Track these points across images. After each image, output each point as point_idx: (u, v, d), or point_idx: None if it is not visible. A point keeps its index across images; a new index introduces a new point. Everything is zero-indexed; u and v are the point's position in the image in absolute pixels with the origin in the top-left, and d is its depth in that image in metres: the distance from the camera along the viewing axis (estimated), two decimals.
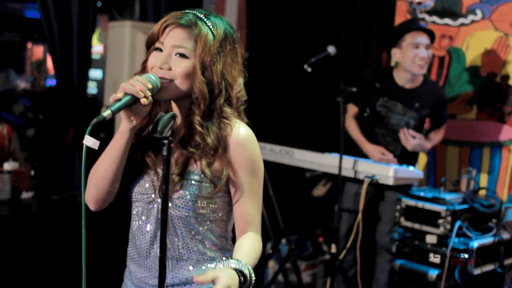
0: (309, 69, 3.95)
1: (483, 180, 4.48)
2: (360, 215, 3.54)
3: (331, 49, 4.13)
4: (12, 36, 11.36)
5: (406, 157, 4.12)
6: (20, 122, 6.88)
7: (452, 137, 4.69)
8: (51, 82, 10.28)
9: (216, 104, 1.88)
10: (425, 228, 3.69)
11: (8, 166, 4.25)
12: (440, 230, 3.61)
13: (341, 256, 3.82)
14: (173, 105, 1.96)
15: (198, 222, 1.91)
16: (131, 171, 1.94)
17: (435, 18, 4.78)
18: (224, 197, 1.94)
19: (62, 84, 5.34)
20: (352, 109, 4.36)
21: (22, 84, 10.02)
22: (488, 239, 3.65)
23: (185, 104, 1.91)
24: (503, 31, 4.44)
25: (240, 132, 1.89)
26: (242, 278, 1.73)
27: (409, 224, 3.77)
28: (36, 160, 4.75)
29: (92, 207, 1.98)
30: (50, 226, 4.14)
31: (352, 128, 4.31)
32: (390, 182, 3.51)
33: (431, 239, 3.66)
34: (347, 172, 3.71)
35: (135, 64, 4.94)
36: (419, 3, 4.62)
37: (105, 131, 5.20)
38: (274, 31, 5.96)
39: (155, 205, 1.92)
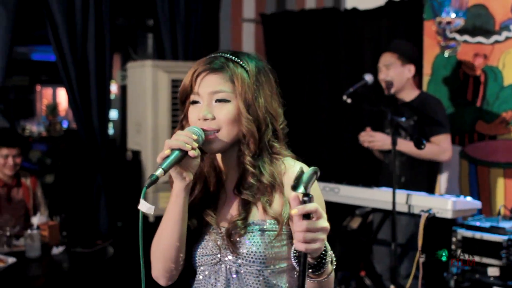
0: (349, 100, 3.78)
1: None
2: (419, 252, 3.32)
3: (369, 77, 3.98)
4: (20, 79, 11.26)
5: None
6: (38, 169, 6.71)
7: (495, 159, 4.50)
8: (64, 124, 10.15)
9: (264, 141, 1.81)
10: (486, 260, 3.48)
11: (36, 220, 4.06)
12: (503, 262, 3.40)
13: None
14: (220, 159, 1.89)
15: (271, 275, 1.79)
16: (189, 234, 1.84)
17: (466, 37, 4.62)
18: (290, 243, 1.79)
19: (82, 127, 5.16)
20: None
21: (33, 128, 9.88)
22: None
23: (232, 149, 1.83)
24: None
25: (295, 169, 1.73)
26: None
27: (467, 256, 3.55)
28: (62, 210, 4.54)
29: (163, 282, 1.89)
30: (85, 284, 3.93)
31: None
32: (449, 215, 3.31)
33: (493, 272, 3.45)
34: (401, 207, 3.51)
35: (158, 104, 4.76)
36: (448, 23, 4.45)
37: (131, 176, 5.00)
38: (295, 59, 5.80)
39: (222, 265, 1.81)
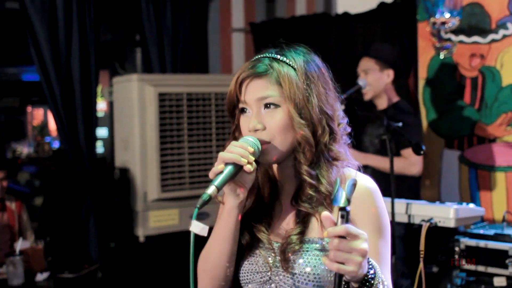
0: (343, 106, 3.61)
1: None
2: (422, 264, 3.15)
3: (362, 82, 3.86)
4: (11, 101, 11.14)
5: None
6: (27, 191, 6.55)
7: (496, 163, 4.33)
8: (55, 144, 10.00)
9: (321, 146, 1.64)
10: (491, 270, 3.30)
11: (18, 246, 3.88)
12: (510, 271, 3.22)
13: None
14: (275, 169, 1.74)
15: None
16: (239, 249, 1.71)
17: (462, 37, 4.46)
18: None
19: (68, 147, 5.00)
20: None
21: (24, 150, 9.72)
22: None
23: (288, 158, 1.67)
24: None
25: (362, 182, 1.62)
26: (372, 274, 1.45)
27: (471, 267, 3.38)
28: (48, 234, 4.38)
29: None
30: None
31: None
32: (452, 224, 3.13)
33: (500, 282, 3.27)
34: (400, 217, 3.34)
35: (146, 119, 4.59)
36: (443, 23, 4.29)
37: (119, 195, 4.84)
38: None
39: (272, 285, 1.66)
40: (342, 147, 1.69)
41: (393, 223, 3.28)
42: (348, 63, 5.24)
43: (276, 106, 1.61)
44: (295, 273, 1.60)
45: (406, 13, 4.91)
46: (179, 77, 4.95)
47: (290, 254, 1.61)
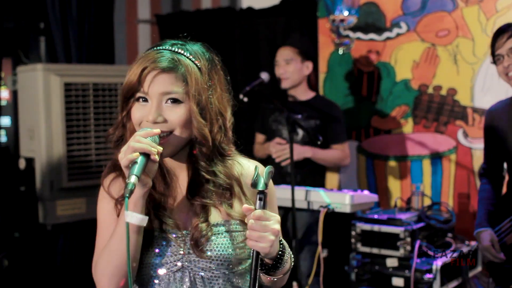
0: (245, 99, 3.76)
1: (426, 193, 4.40)
2: (320, 248, 3.35)
3: (265, 76, 3.98)
4: None
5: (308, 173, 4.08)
6: None
7: (390, 153, 4.61)
8: None
9: (216, 143, 1.71)
10: (384, 251, 3.55)
11: None
12: (401, 252, 3.48)
13: None
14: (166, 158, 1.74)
15: (237, 277, 1.73)
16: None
17: (359, 34, 4.71)
18: None
19: None
20: (259, 137, 4.37)
21: None
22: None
23: (183, 152, 1.74)
24: (430, 42, 4.41)
25: (252, 168, 1.74)
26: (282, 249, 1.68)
27: (366, 249, 3.62)
28: None
29: None
30: None
31: (261, 148, 4.27)
32: (348, 209, 3.35)
33: (392, 263, 3.52)
34: (300, 203, 3.52)
35: (51, 109, 4.59)
36: (342, 20, 4.52)
37: (25, 184, 4.80)
38: None
39: (186, 271, 1.69)
40: (231, 143, 1.78)
41: (293, 209, 3.46)
42: (251, 57, 5.41)
43: (179, 102, 1.64)
44: (210, 257, 1.67)
45: (307, 10, 5.09)
46: (85, 67, 4.96)
47: (203, 241, 1.66)
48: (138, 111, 1.67)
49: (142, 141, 1.56)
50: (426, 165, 4.46)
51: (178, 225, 1.69)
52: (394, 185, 4.61)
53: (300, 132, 4.05)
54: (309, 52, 4.24)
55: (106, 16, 5.87)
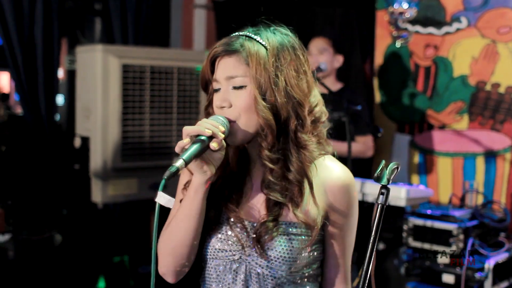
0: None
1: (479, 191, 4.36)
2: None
3: (323, 65, 3.96)
4: None
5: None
6: None
7: (443, 149, 4.57)
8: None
9: (289, 131, 1.60)
10: (436, 247, 3.53)
11: None
12: (453, 249, 3.46)
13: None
14: (247, 146, 1.70)
15: (293, 281, 1.65)
16: (204, 223, 1.68)
17: (418, 28, 4.66)
18: (319, 247, 1.69)
19: (28, 113, 5.03)
20: None
21: None
22: (503, 256, 3.51)
23: (255, 140, 1.65)
24: (490, 38, 4.34)
25: (340, 174, 1.65)
26: None
27: (418, 244, 3.61)
28: (8, 197, 4.41)
29: (171, 279, 1.72)
30: (31, 273, 3.83)
31: None
32: (403, 203, 3.33)
33: (443, 259, 3.50)
34: None
35: (109, 90, 4.66)
36: (401, 13, 4.48)
37: (79, 162, 4.89)
38: None
39: (243, 264, 1.65)
40: (312, 135, 1.65)
41: None
42: (307, 46, 5.40)
43: (242, 87, 1.59)
44: (270, 256, 1.60)
45: (366, 1, 5.06)
46: (143, 50, 5.01)
47: (266, 239, 1.60)
48: (214, 99, 1.65)
49: (204, 125, 1.54)
50: (480, 162, 4.40)
51: (242, 216, 1.66)
52: (445, 181, 4.56)
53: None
54: (342, 46, 4.26)
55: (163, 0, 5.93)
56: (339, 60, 4.22)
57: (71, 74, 6.12)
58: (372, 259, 3.26)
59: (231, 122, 1.59)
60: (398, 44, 4.61)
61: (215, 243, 1.67)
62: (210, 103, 1.68)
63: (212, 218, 1.68)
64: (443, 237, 3.51)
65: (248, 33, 1.64)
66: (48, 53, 5.05)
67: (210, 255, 1.68)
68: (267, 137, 1.58)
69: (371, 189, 3.44)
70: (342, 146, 3.96)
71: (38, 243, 4.04)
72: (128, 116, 4.75)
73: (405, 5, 4.43)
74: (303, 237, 1.62)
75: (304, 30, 5.40)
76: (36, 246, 4.01)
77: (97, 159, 4.68)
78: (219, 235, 1.67)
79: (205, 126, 1.53)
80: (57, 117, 5.77)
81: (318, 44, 4.21)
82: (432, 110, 4.63)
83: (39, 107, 5.03)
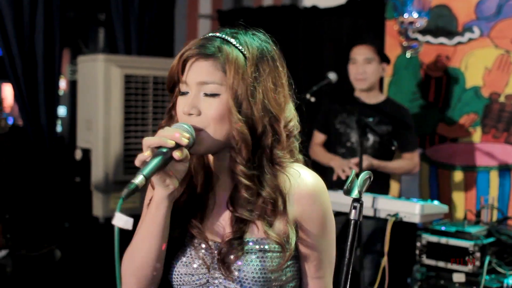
0: (313, 99, 3.63)
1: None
2: (385, 258, 3.19)
3: (332, 76, 3.85)
4: None
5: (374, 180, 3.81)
6: None
7: (456, 162, 4.43)
8: (10, 121, 9.73)
9: (264, 147, 1.48)
10: (451, 266, 3.38)
11: None
12: (469, 268, 3.31)
13: None
14: (211, 158, 1.57)
15: None
16: (168, 245, 1.54)
17: (429, 38, 4.54)
18: (294, 264, 1.54)
19: (28, 124, 4.92)
20: (318, 137, 4.16)
21: None
22: None
23: (225, 150, 1.51)
24: (504, 48, 4.22)
25: (308, 181, 1.51)
26: None
27: (432, 262, 3.46)
28: (6, 211, 4.28)
29: None
30: None
31: (320, 153, 4.06)
32: (417, 219, 3.19)
33: (459, 278, 3.35)
34: (366, 210, 3.37)
35: (110, 101, 4.54)
36: (411, 23, 4.35)
37: (80, 175, 4.77)
38: None
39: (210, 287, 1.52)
40: (287, 152, 1.54)
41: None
42: (314, 56, 5.28)
43: (216, 95, 1.46)
44: (237, 277, 1.48)
45: (375, 10, 4.95)
46: (146, 60, 4.90)
47: (232, 259, 1.48)
48: (179, 104, 1.50)
49: (162, 134, 1.41)
50: (494, 176, 4.27)
51: (206, 234, 1.54)
52: (458, 196, 4.42)
53: (371, 138, 3.88)
54: (384, 54, 4.07)
55: (167, 10, 5.84)
56: (384, 68, 4.04)
57: (73, 85, 6.03)
58: (386, 276, 3.12)
59: (197, 130, 1.46)
60: (408, 54, 4.48)
61: (180, 267, 1.55)
62: (173, 105, 1.54)
63: (175, 236, 1.55)
64: (459, 254, 3.36)
65: (225, 36, 1.51)
66: (49, 63, 4.96)
67: (176, 281, 1.56)
68: (241, 151, 1.47)
69: (383, 205, 3.30)
70: (388, 166, 3.82)
71: (37, 258, 3.91)
72: (131, 127, 4.63)
73: (415, 15, 4.30)
74: (273, 254, 1.48)
75: (311, 40, 5.30)
76: (35, 261, 3.87)
77: (98, 172, 4.56)
78: (184, 259, 1.55)
79: (167, 136, 1.40)
80: (58, 128, 5.66)
81: (365, 53, 3.96)
82: (443, 122, 4.49)
83: (40, 118, 4.92)
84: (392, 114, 3.89)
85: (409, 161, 3.96)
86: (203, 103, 1.47)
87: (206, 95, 1.46)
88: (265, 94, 1.48)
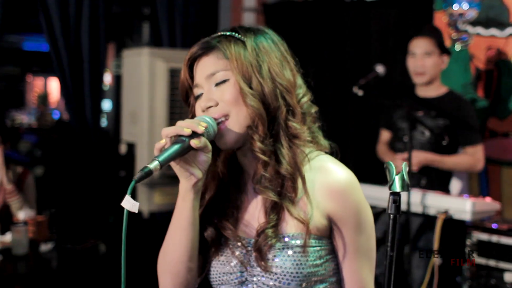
0: (360, 92, 3.55)
1: None
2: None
3: (380, 69, 3.74)
4: (11, 69, 10.98)
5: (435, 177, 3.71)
6: (26, 160, 6.47)
7: (507, 158, 4.29)
8: (55, 115, 9.91)
9: (279, 120, 1.49)
10: (503, 265, 3.28)
11: (23, 215, 3.82)
12: None
13: None
14: (239, 156, 1.57)
15: None
16: (206, 247, 1.56)
17: (479, 30, 4.41)
18: (333, 258, 1.51)
19: (74, 118, 4.95)
20: (384, 135, 4.02)
21: (24, 118, 9.61)
22: None
23: (246, 141, 1.51)
24: None
25: (339, 176, 1.48)
26: None
27: (483, 260, 3.36)
28: (52, 205, 4.31)
29: None
30: (75, 284, 3.70)
31: (385, 152, 3.95)
32: (468, 217, 3.09)
33: (510, 277, 3.25)
34: (415, 207, 3.29)
35: (155, 95, 4.53)
36: (461, 14, 4.24)
37: (125, 169, 4.78)
38: (299, 51, 5.58)
39: (249, 286, 1.51)
40: (303, 124, 1.54)
41: (409, 213, 3.23)
42: (361, 49, 5.19)
43: (225, 81, 1.49)
44: (276, 273, 1.46)
45: (423, 2, 4.83)
46: None
47: (267, 251, 1.47)
48: (197, 106, 1.54)
49: (181, 124, 1.42)
50: None
51: (239, 232, 1.54)
52: (509, 193, 4.29)
53: (426, 132, 3.71)
54: (444, 45, 3.85)
55: (212, 3, 5.81)
56: (444, 61, 3.82)
57: (118, 79, 6.06)
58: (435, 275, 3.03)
59: (219, 123, 1.48)
60: (457, 47, 4.37)
61: (218, 267, 1.55)
62: (193, 114, 1.56)
63: (210, 239, 1.56)
64: (511, 253, 3.26)
65: (226, 32, 1.56)
66: (94, 58, 4.97)
67: (216, 281, 1.56)
68: (258, 128, 1.47)
69: (433, 201, 3.20)
70: (444, 161, 3.69)
71: (81, 252, 3.91)
72: (175, 121, 4.61)
73: (465, 6, 4.19)
74: (312, 248, 1.47)
75: (358, 32, 5.21)
76: (79, 255, 3.88)
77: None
78: (221, 258, 1.55)
79: (184, 125, 1.41)
80: (104, 122, 5.69)
81: (425, 46, 3.75)
82: (494, 117, 4.36)
83: (85, 113, 4.94)
84: (450, 107, 3.71)
85: (470, 156, 3.72)
86: (217, 92, 1.49)
87: (217, 84, 1.49)
88: (271, 69, 1.50)
